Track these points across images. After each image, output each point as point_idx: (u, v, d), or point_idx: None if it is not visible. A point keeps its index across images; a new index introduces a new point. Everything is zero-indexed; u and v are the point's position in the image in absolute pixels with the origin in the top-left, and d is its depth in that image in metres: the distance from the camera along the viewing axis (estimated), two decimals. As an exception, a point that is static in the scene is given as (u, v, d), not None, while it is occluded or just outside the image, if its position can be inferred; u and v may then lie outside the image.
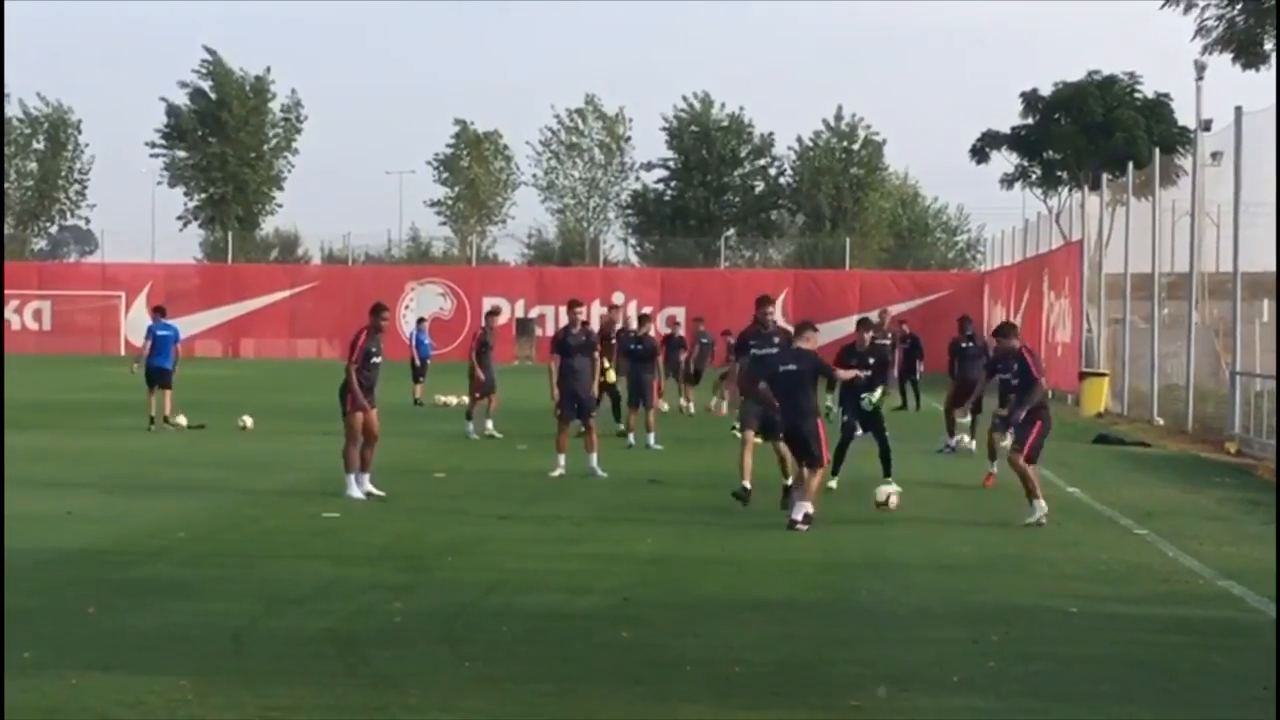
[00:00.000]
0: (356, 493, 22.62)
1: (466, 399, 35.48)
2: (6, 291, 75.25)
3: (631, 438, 31.28)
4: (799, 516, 19.92)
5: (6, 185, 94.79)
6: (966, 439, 31.34)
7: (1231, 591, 16.11)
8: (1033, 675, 12.24)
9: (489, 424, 33.78)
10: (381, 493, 22.68)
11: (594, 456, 26.05)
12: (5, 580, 14.66)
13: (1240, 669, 12.54)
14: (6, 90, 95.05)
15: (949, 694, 11.61)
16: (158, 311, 36.68)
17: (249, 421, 34.86)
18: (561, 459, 25.88)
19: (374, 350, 23.20)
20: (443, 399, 43.67)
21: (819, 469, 20.43)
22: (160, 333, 35.82)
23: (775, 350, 22.05)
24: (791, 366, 20.71)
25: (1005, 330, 23.17)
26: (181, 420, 34.82)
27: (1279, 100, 27.04)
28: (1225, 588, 16.33)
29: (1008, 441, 21.70)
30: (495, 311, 38.29)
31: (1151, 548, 19.11)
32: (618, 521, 20.63)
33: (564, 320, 27.82)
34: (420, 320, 51.78)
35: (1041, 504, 20.75)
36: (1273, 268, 33.15)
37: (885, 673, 12.13)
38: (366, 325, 23.40)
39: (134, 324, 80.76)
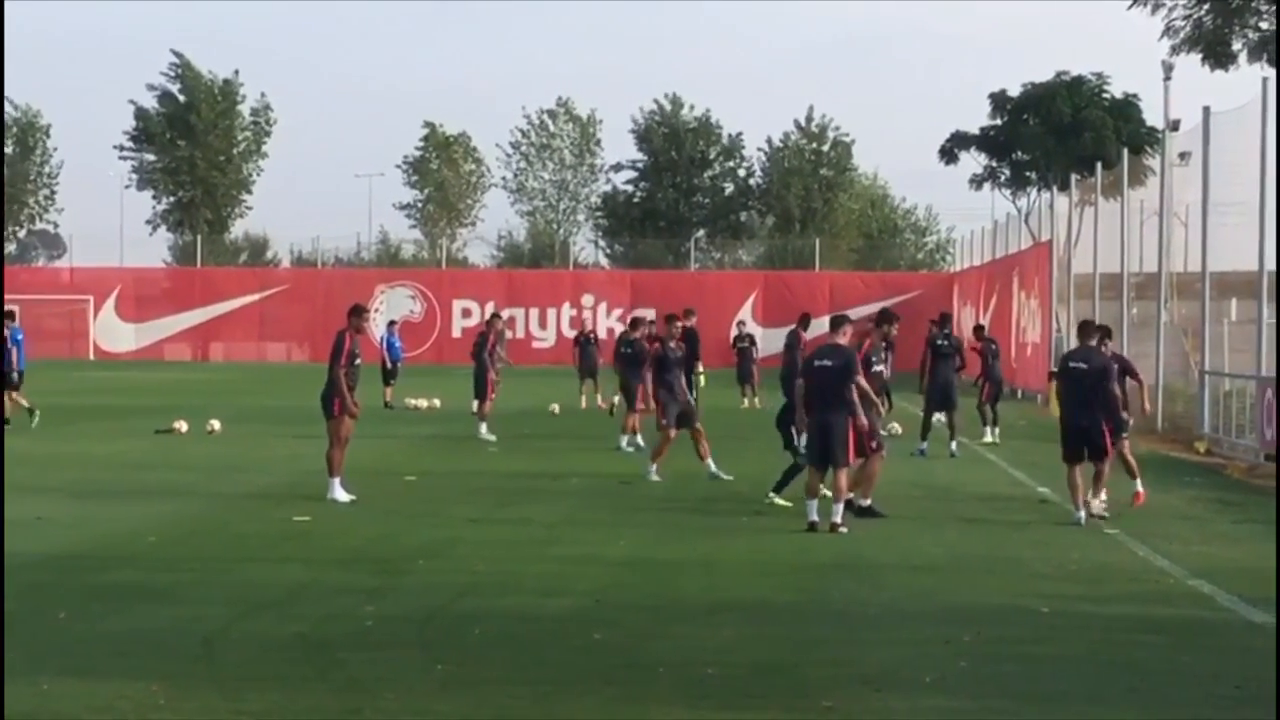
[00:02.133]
0: (344, 495, 22.58)
1: (478, 403, 35.16)
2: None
3: (624, 440, 31.08)
4: (837, 519, 19.93)
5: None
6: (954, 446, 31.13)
7: (1201, 591, 16.17)
8: (1004, 675, 12.28)
9: (484, 427, 33.78)
10: (352, 496, 22.66)
11: (710, 462, 26.14)
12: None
13: (1210, 668, 12.57)
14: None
15: (922, 694, 11.63)
16: (9, 316, 37.19)
17: (217, 425, 34.77)
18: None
19: (356, 352, 23.16)
20: (413, 402, 43.64)
21: (842, 468, 20.31)
22: (19, 337, 37.29)
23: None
24: (827, 362, 20.72)
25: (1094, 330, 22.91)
26: (183, 425, 34.79)
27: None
28: (1195, 587, 16.38)
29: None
30: (496, 314, 40.18)
31: (1122, 547, 19.17)
32: (590, 524, 20.63)
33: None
34: (391, 323, 51.73)
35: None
36: (1242, 266, 33.22)
37: (858, 673, 12.16)
38: (348, 327, 23.33)
39: (103, 328, 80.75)
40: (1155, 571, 17.42)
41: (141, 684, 11.44)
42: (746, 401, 45.99)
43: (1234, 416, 31.96)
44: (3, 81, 47.67)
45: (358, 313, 23.80)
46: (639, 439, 30.70)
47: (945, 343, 32.51)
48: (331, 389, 22.97)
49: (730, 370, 48.90)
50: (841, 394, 20.51)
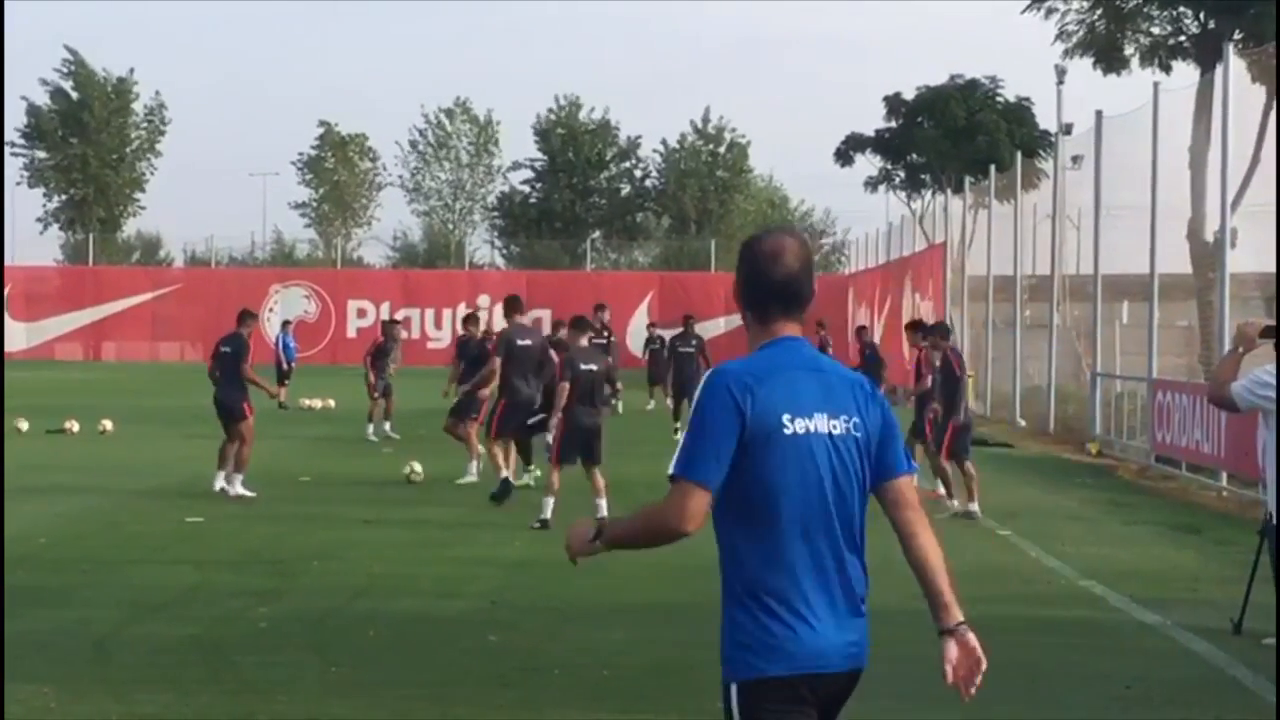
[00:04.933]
0: (246, 491, 22.94)
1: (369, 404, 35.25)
2: None
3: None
4: (603, 514, 20.16)
5: None
6: None
7: (1093, 591, 16.31)
8: (897, 677, 12.31)
9: (386, 426, 33.79)
10: (253, 493, 22.72)
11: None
12: None
13: (1102, 668, 12.69)
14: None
15: (815, 695, 11.64)
16: None
17: (109, 425, 34.49)
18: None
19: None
20: (308, 402, 43.44)
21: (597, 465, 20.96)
22: None
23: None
24: (593, 366, 20.95)
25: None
26: (74, 425, 34.53)
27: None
28: (1087, 587, 16.52)
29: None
30: (395, 321, 41.77)
31: (1014, 548, 19.32)
32: (485, 525, 20.61)
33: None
34: (285, 323, 51.44)
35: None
36: (1133, 269, 33.49)
37: (752, 675, 12.18)
38: (245, 329, 24.07)
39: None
40: (1047, 572, 17.57)
41: (32, 687, 11.33)
42: (654, 403, 45.23)
43: (1125, 418, 32.27)
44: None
45: (254, 316, 25.07)
46: None
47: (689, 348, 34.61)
48: (241, 389, 23.53)
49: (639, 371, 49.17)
50: (602, 395, 21.55)
